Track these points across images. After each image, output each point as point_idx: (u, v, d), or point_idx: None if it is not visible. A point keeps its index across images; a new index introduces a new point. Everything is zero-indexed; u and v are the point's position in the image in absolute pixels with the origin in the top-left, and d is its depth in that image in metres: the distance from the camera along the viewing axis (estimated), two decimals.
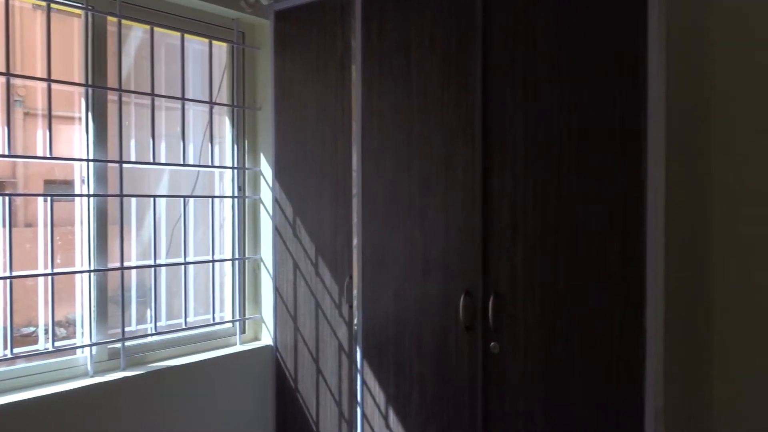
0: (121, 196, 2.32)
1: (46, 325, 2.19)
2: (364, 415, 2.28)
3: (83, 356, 2.25)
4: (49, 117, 2.14)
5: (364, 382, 2.28)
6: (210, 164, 2.70)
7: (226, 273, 2.79)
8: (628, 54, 1.67)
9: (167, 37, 2.64)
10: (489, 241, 1.93)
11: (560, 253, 1.79)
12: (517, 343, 1.88)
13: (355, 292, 2.31)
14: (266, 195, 2.79)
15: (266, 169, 2.78)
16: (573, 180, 1.77)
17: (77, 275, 2.28)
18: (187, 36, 2.60)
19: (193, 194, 2.73)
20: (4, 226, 2.06)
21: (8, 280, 2.03)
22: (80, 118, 2.29)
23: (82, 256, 2.29)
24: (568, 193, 1.78)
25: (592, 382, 1.74)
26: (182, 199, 2.62)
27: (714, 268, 1.98)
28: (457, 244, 2.00)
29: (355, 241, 2.30)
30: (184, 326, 2.58)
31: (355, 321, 2.30)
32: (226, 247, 2.80)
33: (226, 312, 2.80)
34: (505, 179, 1.89)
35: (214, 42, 2.71)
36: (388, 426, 2.21)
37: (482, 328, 1.95)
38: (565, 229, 1.78)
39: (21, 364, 2.10)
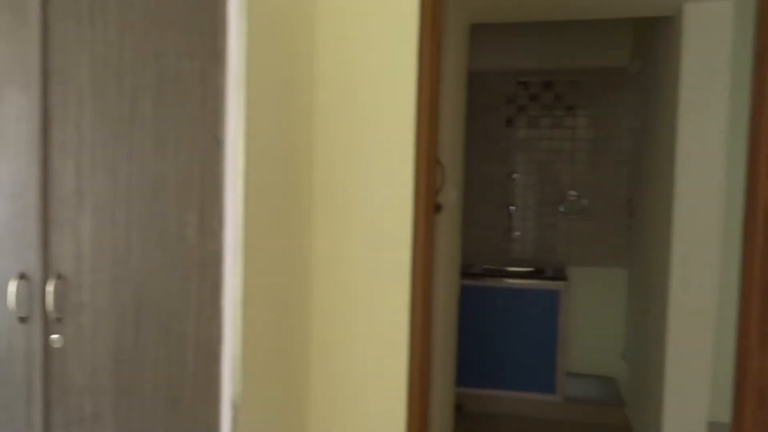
0: None
1: None
2: None
3: None
4: None
5: None
6: None
7: None
8: None
9: None
10: (49, 210, 1.57)
11: (134, 224, 1.52)
12: (84, 334, 1.56)
13: None
14: None
15: None
16: (148, 139, 1.51)
17: None
18: None
19: None
20: None
21: None
22: None
23: None
24: (142, 155, 1.51)
25: (167, 370, 1.52)
26: None
27: (311, 243, 1.93)
28: (8, 214, 1.59)
29: None
30: None
31: None
32: None
33: None
34: (68, 133, 1.54)
35: None
36: None
37: (42, 319, 1.58)
38: (139, 196, 1.52)
39: None
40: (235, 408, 1.48)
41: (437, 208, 2.30)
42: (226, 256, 1.47)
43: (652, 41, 3.52)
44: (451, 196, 2.82)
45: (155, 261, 1.51)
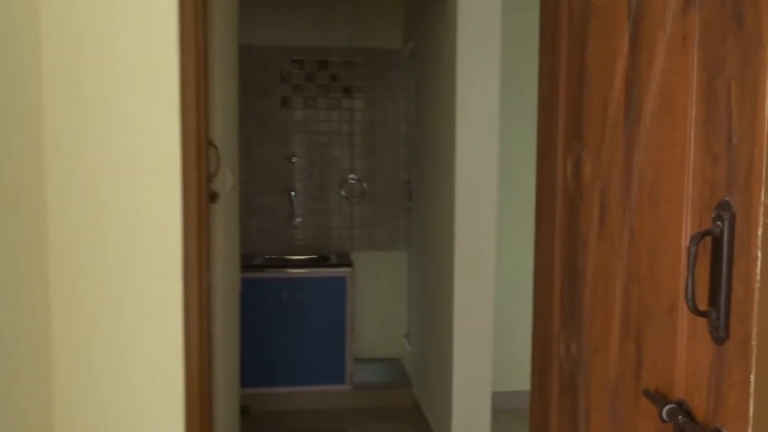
0: None
1: None
2: None
3: None
4: None
5: None
6: None
7: None
8: None
9: None
10: None
11: None
12: None
13: None
14: None
15: None
16: None
17: None
18: None
19: None
20: None
21: None
22: None
23: None
24: None
25: None
26: None
27: (48, 250, 1.51)
28: None
29: None
30: None
31: None
32: None
33: None
34: None
35: None
36: None
37: None
38: None
39: None
40: None
41: (212, 196, 1.99)
42: None
43: (425, 23, 3.54)
44: (227, 182, 2.51)
45: None
